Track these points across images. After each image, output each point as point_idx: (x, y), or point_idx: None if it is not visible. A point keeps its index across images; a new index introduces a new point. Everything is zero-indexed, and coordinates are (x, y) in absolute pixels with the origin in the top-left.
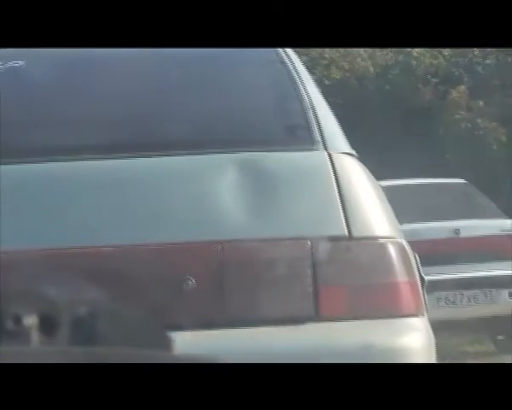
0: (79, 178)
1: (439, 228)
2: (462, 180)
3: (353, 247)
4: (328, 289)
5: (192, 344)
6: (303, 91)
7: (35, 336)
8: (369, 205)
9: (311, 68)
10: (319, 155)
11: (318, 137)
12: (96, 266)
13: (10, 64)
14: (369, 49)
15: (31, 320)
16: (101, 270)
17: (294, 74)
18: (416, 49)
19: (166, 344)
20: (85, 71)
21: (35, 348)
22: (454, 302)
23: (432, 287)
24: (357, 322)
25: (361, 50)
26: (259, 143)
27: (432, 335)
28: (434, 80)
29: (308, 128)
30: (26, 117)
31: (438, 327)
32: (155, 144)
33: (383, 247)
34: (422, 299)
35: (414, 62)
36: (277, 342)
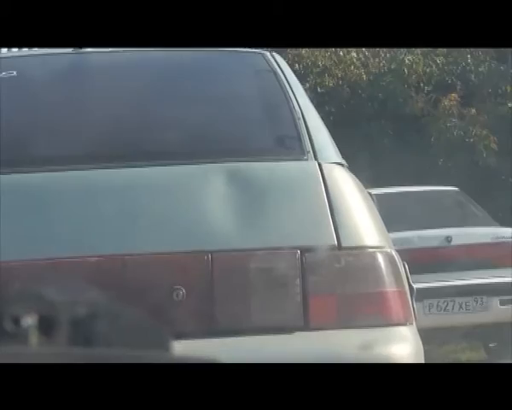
0: (68, 188)
1: (431, 236)
2: (454, 188)
3: (342, 256)
4: (317, 298)
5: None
6: (294, 101)
7: (34, 338)
8: (359, 215)
9: (304, 76)
10: (309, 166)
11: (309, 148)
12: (87, 276)
13: (3, 74)
14: (362, 57)
15: (30, 322)
16: (92, 280)
17: (285, 84)
18: (409, 57)
19: (165, 345)
20: (76, 80)
21: (34, 350)
22: (445, 309)
23: (424, 294)
24: (346, 331)
25: (354, 58)
26: (250, 153)
27: (420, 343)
28: (427, 88)
29: (299, 138)
30: (20, 128)
31: (430, 334)
32: (146, 154)
33: (372, 256)
34: (411, 308)
35: (406, 70)
36: (266, 350)
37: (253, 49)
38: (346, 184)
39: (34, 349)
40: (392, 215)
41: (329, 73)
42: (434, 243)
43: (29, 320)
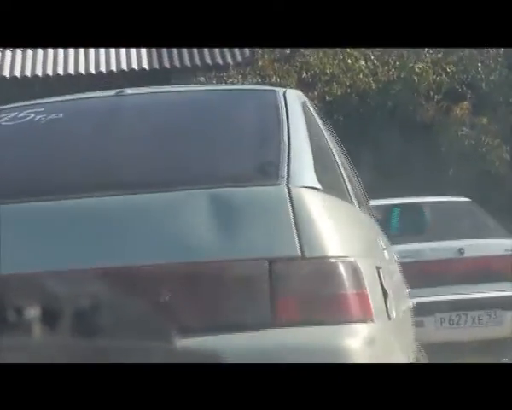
0: (77, 213)
1: (442, 248)
2: (466, 199)
3: (305, 265)
4: (283, 300)
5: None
6: (285, 133)
7: (38, 332)
8: (322, 231)
9: (312, 84)
10: (279, 190)
11: (284, 174)
12: (88, 285)
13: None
14: (371, 65)
15: (34, 316)
16: (92, 288)
17: (283, 117)
18: (419, 65)
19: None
20: (82, 124)
21: (38, 342)
22: (458, 323)
23: (436, 307)
24: (307, 328)
25: (362, 66)
26: (232, 180)
27: (382, 339)
28: (437, 97)
29: (277, 166)
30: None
31: (441, 349)
32: (145, 184)
33: (333, 265)
34: (373, 308)
35: (416, 78)
36: (241, 345)
37: (269, 88)
38: (311, 205)
39: (38, 342)
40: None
41: (337, 81)
42: (446, 256)
43: (38, 321)
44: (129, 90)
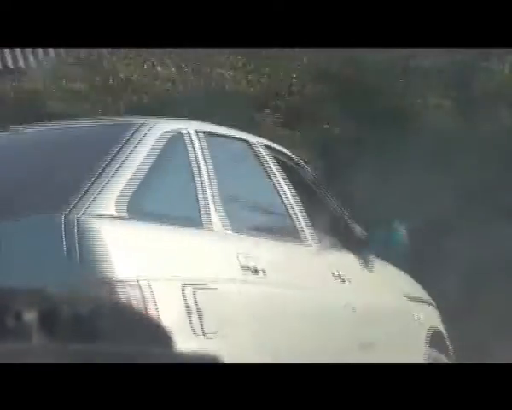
0: None
1: None
2: None
3: (77, 288)
4: (58, 325)
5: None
6: (111, 166)
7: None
8: (96, 254)
9: (118, 92)
10: (55, 218)
11: (74, 203)
12: None
13: None
14: (170, 72)
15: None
16: None
17: (122, 151)
18: (230, 73)
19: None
20: None
21: (36, 346)
22: None
23: None
24: None
25: (160, 72)
26: (39, 209)
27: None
28: (247, 106)
29: (74, 196)
30: None
31: None
32: None
33: (106, 285)
34: (163, 324)
35: (227, 86)
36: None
37: (133, 121)
38: (90, 231)
39: (36, 346)
40: None
41: (146, 90)
42: None
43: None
44: None
